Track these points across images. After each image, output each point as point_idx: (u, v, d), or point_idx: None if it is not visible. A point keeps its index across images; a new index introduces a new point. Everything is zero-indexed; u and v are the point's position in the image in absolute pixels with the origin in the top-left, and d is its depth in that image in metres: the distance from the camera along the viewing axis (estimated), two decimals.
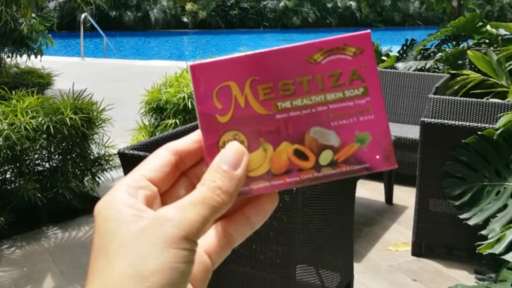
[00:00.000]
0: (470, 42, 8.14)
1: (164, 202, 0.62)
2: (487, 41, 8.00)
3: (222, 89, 0.63)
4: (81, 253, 4.83)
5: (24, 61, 11.44)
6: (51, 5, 26.43)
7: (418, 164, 4.60)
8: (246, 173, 0.62)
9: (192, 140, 0.64)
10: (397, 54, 8.43)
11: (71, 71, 13.29)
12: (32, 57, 11.36)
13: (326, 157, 0.63)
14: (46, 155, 5.46)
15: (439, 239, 4.70)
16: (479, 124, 4.33)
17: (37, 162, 5.42)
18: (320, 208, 3.50)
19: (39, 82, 10.86)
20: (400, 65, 7.91)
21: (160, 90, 6.35)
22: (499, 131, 4.19)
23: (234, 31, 31.92)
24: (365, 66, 0.63)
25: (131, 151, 3.47)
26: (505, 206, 4.16)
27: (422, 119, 4.53)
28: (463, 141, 4.30)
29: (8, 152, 5.04)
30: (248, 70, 0.62)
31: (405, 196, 6.05)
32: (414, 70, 7.62)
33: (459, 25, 7.66)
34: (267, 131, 0.63)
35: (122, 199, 0.58)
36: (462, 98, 5.60)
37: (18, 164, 5.20)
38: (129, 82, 13.26)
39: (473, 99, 5.57)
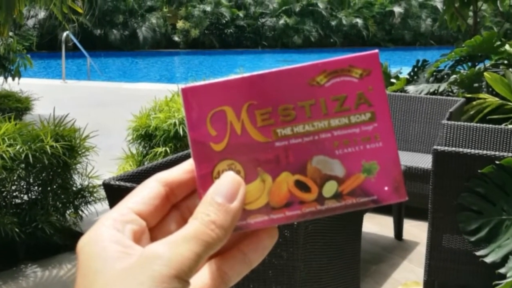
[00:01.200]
0: (487, 63, 8.15)
1: (153, 238, 0.62)
2: (505, 62, 8.01)
3: (217, 115, 0.62)
4: None
5: (1, 83, 11.45)
6: (30, 22, 26.55)
7: (430, 196, 4.60)
8: (243, 206, 0.61)
9: (184, 170, 0.64)
10: (408, 76, 8.45)
11: (52, 94, 13.30)
12: (9, 79, 11.38)
13: (330, 188, 0.63)
14: (25, 186, 5.44)
15: (454, 278, 4.68)
16: (497, 153, 4.32)
17: (14, 194, 5.40)
18: (324, 244, 3.50)
19: (16, 106, 10.84)
20: (410, 88, 7.91)
21: (149, 115, 6.35)
22: None
23: (230, 51, 31.98)
24: (372, 89, 0.63)
25: (117, 182, 3.46)
26: None
27: (435, 147, 4.53)
28: (479, 171, 4.29)
29: None
30: (245, 93, 0.62)
31: (416, 231, 6.04)
32: (426, 94, 7.62)
33: (475, 44, 7.68)
34: (266, 160, 0.62)
35: (108, 234, 0.58)
36: (478, 124, 5.60)
37: None
38: (115, 106, 13.27)
39: (491, 125, 5.57)
